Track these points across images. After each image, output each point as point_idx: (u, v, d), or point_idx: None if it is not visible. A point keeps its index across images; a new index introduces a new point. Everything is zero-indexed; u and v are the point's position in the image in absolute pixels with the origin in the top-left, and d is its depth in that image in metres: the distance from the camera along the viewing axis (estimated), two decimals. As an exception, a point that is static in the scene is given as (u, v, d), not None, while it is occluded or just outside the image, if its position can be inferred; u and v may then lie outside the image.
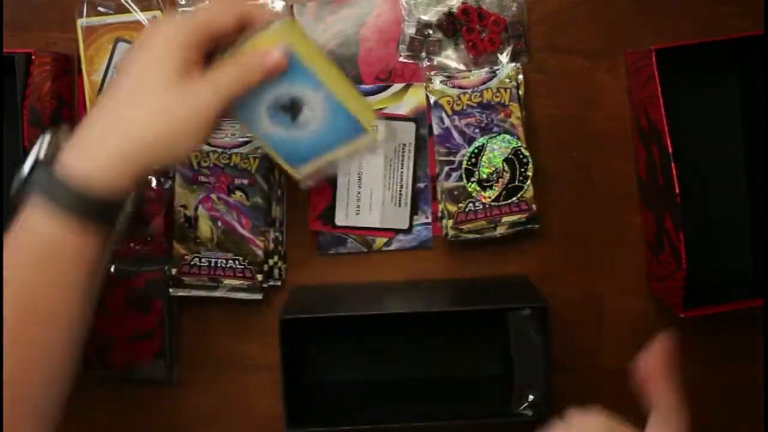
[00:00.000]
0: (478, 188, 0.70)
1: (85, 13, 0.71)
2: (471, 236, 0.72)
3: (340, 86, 0.59)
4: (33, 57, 0.66)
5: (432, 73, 0.72)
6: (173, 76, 0.50)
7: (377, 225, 0.74)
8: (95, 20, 0.71)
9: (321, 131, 0.61)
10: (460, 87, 0.71)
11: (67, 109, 0.72)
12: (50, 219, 0.48)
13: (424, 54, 0.72)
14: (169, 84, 0.50)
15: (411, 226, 0.74)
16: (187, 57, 0.51)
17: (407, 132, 0.73)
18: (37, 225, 0.48)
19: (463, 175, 0.71)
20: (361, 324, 0.69)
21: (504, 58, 0.72)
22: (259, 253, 0.71)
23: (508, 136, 0.70)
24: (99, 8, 0.71)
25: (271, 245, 0.72)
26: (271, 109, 0.59)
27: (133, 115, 0.50)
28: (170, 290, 0.72)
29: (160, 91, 0.50)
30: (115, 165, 0.49)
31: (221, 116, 0.53)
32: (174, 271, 0.71)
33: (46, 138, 0.52)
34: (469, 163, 0.70)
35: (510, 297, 0.69)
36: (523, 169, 0.70)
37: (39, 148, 0.51)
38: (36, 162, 0.50)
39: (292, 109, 0.59)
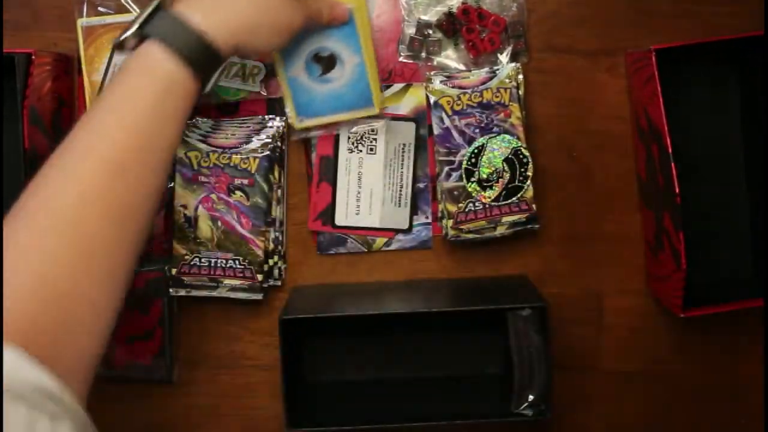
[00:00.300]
0: (478, 188, 0.70)
1: (85, 13, 0.71)
2: (471, 236, 0.72)
3: (371, 60, 0.68)
4: (33, 57, 0.66)
5: (432, 73, 0.72)
6: None
7: (377, 225, 0.74)
8: (95, 20, 0.71)
9: (339, 92, 0.69)
10: (460, 87, 0.71)
11: (67, 109, 0.72)
12: (171, 58, 0.53)
13: (424, 54, 0.72)
14: None
15: (411, 226, 0.74)
16: None
17: (407, 132, 0.73)
18: (159, 63, 0.53)
19: (463, 175, 0.71)
20: (361, 324, 0.69)
21: (504, 58, 0.72)
22: (259, 253, 0.71)
23: (508, 136, 0.70)
24: (99, 8, 0.71)
25: (271, 245, 0.72)
26: (310, 56, 0.68)
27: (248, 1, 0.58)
28: (170, 290, 0.72)
29: None
30: (222, 32, 0.55)
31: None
32: (174, 271, 0.72)
33: None
34: (469, 163, 0.70)
35: (510, 297, 0.69)
36: (523, 169, 0.70)
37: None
38: (157, 8, 0.55)
39: (327, 62, 0.68)
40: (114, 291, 0.50)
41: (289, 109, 0.70)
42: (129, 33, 0.54)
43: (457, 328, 0.75)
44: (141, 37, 0.54)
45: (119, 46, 0.55)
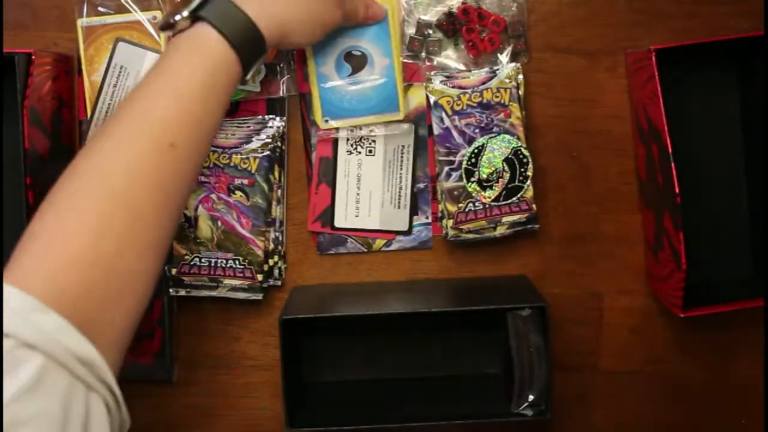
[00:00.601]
0: (478, 188, 0.70)
1: (85, 13, 0.71)
2: (471, 236, 0.72)
3: (399, 64, 0.70)
4: (33, 57, 0.66)
5: (432, 73, 0.72)
6: None
7: (376, 227, 0.74)
8: (95, 20, 0.71)
9: (367, 94, 0.70)
10: (460, 87, 0.71)
11: (67, 110, 0.72)
12: (223, 42, 0.55)
13: (424, 54, 0.72)
14: None
15: (411, 227, 0.74)
16: None
17: (406, 133, 0.73)
18: (212, 44, 0.55)
19: (463, 175, 0.71)
20: (362, 324, 0.69)
21: (504, 58, 0.72)
22: (259, 253, 0.71)
23: (508, 136, 0.70)
24: (99, 8, 0.71)
25: (271, 245, 0.72)
26: (342, 55, 0.69)
27: None
28: (170, 290, 0.72)
29: None
30: (271, 24, 0.58)
31: None
32: (174, 271, 0.71)
33: None
34: (469, 163, 0.70)
35: (509, 297, 0.69)
36: (523, 169, 0.70)
37: None
38: None
39: (357, 61, 0.70)
40: (155, 263, 0.51)
41: (316, 108, 0.71)
42: (184, 14, 0.55)
43: (457, 328, 0.75)
44: (194, 18, 0.55)
45: (167, 26, 0.56)
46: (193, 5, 0.55)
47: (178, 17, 0.55)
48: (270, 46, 0.59)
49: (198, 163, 0.54)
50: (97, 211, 0.47)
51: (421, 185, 0.74)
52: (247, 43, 0.56)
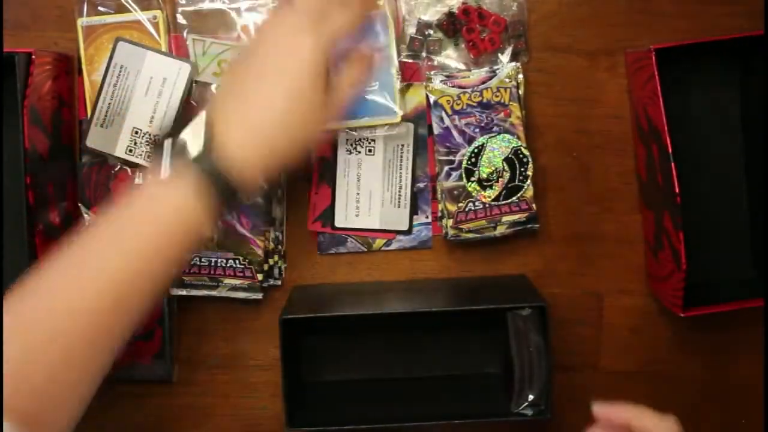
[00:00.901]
0: (478, 188, 0.70)
1: (85, 13, 0.71)
2: (471, 236, 0.72)
3: (396, 67, 0.69)
4: (33, 57, 0.66)
5: (432, 72, 0.72)
6: (318, 94, 0.57)
7: (377, 226, 0.74)
8: (95, 20, 0.71)
9: (364, 96, 0.68)
10: (460, 86, 0.71)
11: (67, 109, 0.72)
12: (197, 200, 0.53)
13: (424, 53, 0.72)
14: (314, 101, 0.57)
15: (411, 227, 0.74)
16: (323, 71, 0.57)
17: (406, 133, 0.73)
18: (180, 200, 0.53)
19: (463, 175, 0.71)
20: (361, 324, 0.69)
21: (504, 57, 0.72)
22: (259, 252, 0.71)
23: (508, 136, 0.70)
24: (99, 8, 0.71)
25: (271, 245, 0.72)
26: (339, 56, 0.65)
27: (292, 119, 0.57)
28: (170, 290, 0.72)
29: (312, 107, 0.57)
30: (253, 175, 0.55)
31: None
32: (174, 270, 0.71)
33: (202, 119, 0.56)
34: (469, 162, 0.70)
35: (509, 297, 0.69)
36: (523, 169, 0.70)
37: (200, 129, 0.55)
38: (205, 147, 0.54)
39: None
40: (89, 389, 0.52)
41: None
42: (168, 150, 0.54)
43: (457, 327, 0.75)
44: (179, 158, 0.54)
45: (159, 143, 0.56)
46: (178, 149, 0.54)
47: (162, 141, 0.55)
48: (252, 196, 0.57)
49: (147, 308, 0.54)
50: (28, 341, 0.48)
51: (421, 185, 0.74)
52: (223, 197, 0.54)
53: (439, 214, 0.73)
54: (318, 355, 0.76)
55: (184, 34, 0.72)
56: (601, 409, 0.57)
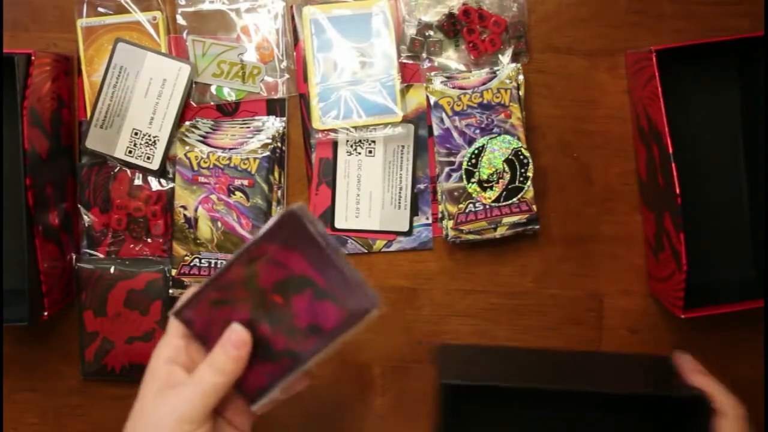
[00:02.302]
0: (478, 189, 0.70)
1: (85, 14, 0.71)
2: (471, 237, 0.71)
3: (397, 66, 0.70)
4: (33, 57, 0.66)
5: (432, 73, 0.72)
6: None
7: (377, 228, 0.74)
8: (95, 20, 0.71)
9: (365, 96, 0.69)
10: (461, 87, 0.71)
11: (66, 110, 0.72)
12: None
13: (424, 54, 0.72)
14: None
15: (411, 228, 0.74)
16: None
17: (406, 134, 0.73)
18: None
19: (464, 176, 0.70)
20: (525, 395, 0.65)
21: (504, 58, 0.72)
22: (259, 253, 0.71)
23: (508, 137, 0.70)
24: (99, 8, 0.71)
25: (271, 246, 0.72)
26: (342, 56, 0.68)
27: None
28: (170, 291, 0.72)
29: None
30: None
31: None
32: (174, 272, 0.71)
33: None
34: (469, 163, 0.70)
35: (664, 383, 0.66)
36: (523, 170, 0.70)
37: None
38: None
39: (357, 63, 0.69)
40: None
41: (314, 108, 0.70)
42: None
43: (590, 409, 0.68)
44: None
45: None
46: None
47: None
48: None
49: None
50: None
51: (422, 186, 0.74)
52: None
53: (440, 216, 0.73)
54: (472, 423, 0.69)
55: (184, 35, 0.72)
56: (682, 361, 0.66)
